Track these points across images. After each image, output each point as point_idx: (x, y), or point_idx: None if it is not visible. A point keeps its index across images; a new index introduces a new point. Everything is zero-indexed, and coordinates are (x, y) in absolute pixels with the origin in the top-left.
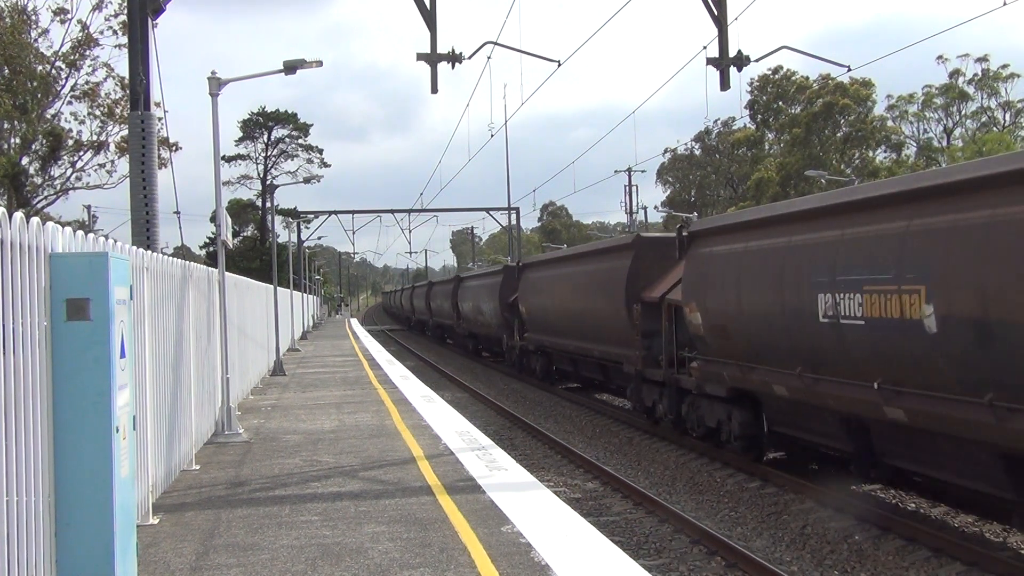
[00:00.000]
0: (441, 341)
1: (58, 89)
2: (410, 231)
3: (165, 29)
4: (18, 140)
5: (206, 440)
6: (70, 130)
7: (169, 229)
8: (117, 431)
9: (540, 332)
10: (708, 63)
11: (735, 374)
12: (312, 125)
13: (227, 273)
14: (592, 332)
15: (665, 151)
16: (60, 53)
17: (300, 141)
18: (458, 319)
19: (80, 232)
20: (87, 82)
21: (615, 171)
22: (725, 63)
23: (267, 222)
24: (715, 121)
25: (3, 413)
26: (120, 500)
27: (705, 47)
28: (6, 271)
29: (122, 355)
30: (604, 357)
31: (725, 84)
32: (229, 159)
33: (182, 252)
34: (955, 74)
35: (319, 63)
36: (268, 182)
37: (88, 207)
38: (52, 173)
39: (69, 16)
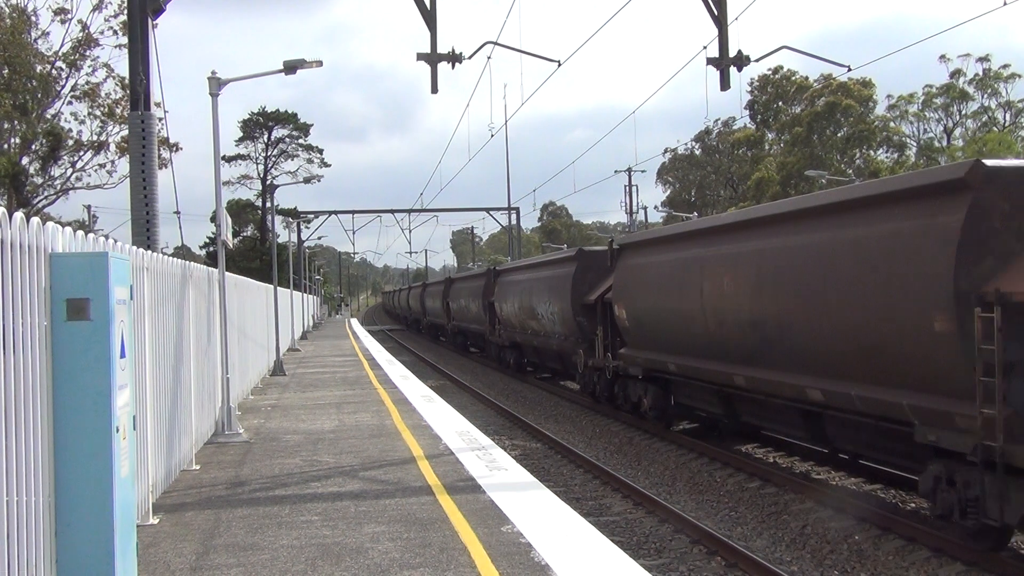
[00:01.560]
0: (462, 350)
1: (58, 89)
2: (410, 231)
3: (164, 30)
4: (18, 140)
5: (206, 440)
6: (70, 130)
7: (169, 229)
8: (117, 431)
9: (655, 349)
10: (708, 63)
11: None
12: (312, 125)
13: (227, 273)
14: (796, 358)
15: (665, 151)
16: (60, 53)
17: (300, 141)
18: (493, 325)
19: (80, 232)
20: (87, 82)
21: (615, 171)
22: (725, 63)
23: (267, 222)
24: (715, 121)
25: (3, 413)
26: (120, 500)
27: (705, 47)
28: (6, 271)
29: (122, 355)
30: (838, 403)
31: (725, 84)
32: (229, 159)
33: (182, 252)
34: (956, 74)
35: (319, 63)
36: (268, 182)
37: (88, 207)
38: (52, 173)
39: (69, 16)
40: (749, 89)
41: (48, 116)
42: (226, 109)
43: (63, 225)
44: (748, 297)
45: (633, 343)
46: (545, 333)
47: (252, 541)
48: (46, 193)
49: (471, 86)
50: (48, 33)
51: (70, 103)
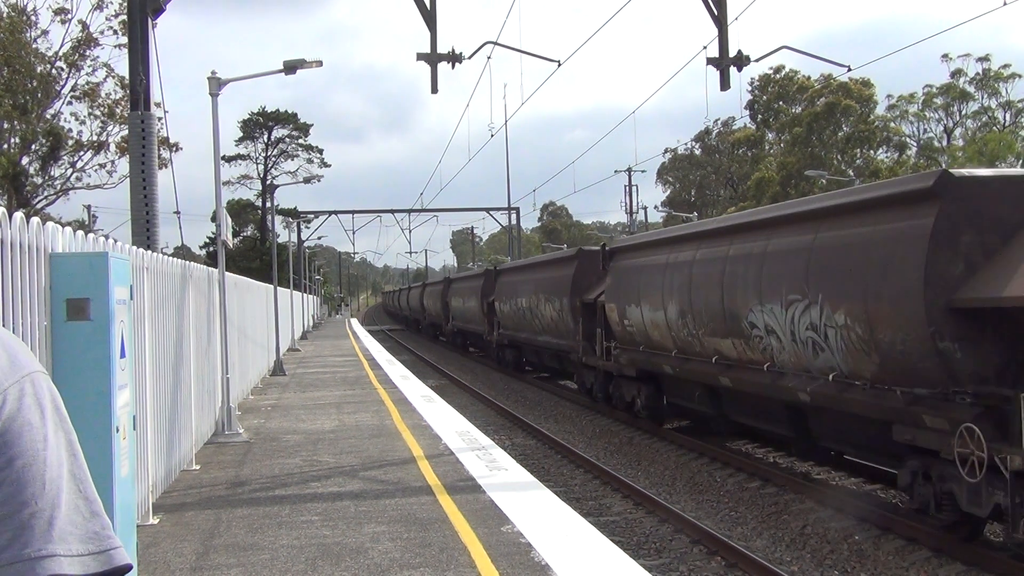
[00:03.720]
0: (514, 369)
1: (58, 89)
2: (410, 231)
3: (164, 30)
4: (18, 140)
5: (206, 440)
6: (70, 130)
7: (169, 229)
8: (117, 431)
9: None
10: (708, 63)
11: None
12: (312, 125)
13: (227, 273)
14: None
15: (665, 151)
16: (60, 53)
17: (300, 141)
18: (591, 341)
19: (80, 232)
20: (87, 82)
21: (615, 171)
22: (725, 63)
23: (267, 222)
24: (715, 121)
25: None
26: (120, 500)
27: (705, 47)
28: (6, 271)
29: (122, 355)
30: None
31: (725, 84)
32: (229, 159)
33: (182, 252)
34: (956, 74)
35: (319, 63)
36: (268, 182)
37: (88, 207)
38: (52, 173)
39: (69, 16)
40: (749, 89)
41: (48, 116)
42: (226, 109)
43: (63, 225)
44: None
45: None
46: (780, 365)
47: (252, 541)
48: (46, 193)
49: (471, 86)
50: (48, 33)
51: (70, 103)
